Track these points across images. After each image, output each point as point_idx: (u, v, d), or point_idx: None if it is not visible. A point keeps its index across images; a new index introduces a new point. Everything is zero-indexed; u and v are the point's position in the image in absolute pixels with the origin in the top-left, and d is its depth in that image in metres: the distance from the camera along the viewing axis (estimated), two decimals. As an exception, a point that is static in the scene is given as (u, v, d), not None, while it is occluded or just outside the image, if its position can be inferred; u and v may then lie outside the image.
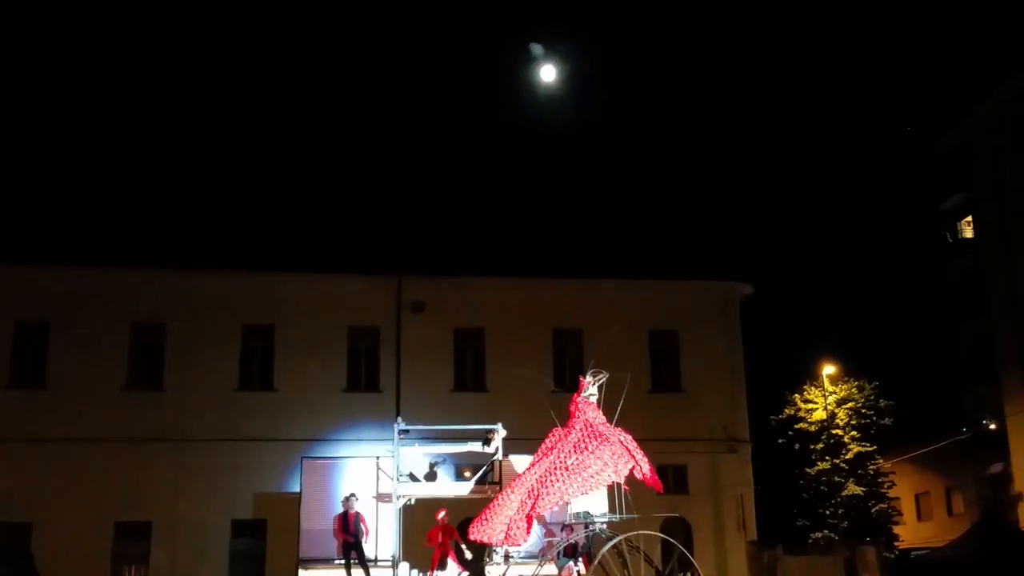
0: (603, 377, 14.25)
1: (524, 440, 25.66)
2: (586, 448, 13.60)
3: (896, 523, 38.01)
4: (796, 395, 37.60)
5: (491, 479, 22.11)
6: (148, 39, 54.57)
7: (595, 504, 14.24)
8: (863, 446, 36.03)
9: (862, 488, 35.59)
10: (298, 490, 21.23)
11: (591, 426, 13.86)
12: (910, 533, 41.29)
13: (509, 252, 30.86)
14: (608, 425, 14.08)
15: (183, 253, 28.20)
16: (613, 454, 13.57)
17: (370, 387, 27.15)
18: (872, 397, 36.87)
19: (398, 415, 24.96)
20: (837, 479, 35.73)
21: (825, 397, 36.82)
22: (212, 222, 34.61)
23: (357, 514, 19.68)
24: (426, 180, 51.35)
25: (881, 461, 37.01)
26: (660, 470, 27.30)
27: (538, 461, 14.06)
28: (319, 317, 27.17)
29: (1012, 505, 38.58)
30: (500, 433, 22.73)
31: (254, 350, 27.18)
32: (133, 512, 24.99)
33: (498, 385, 27.19)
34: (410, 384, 26.95)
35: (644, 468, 13.68)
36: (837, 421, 36.33)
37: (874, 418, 36.53)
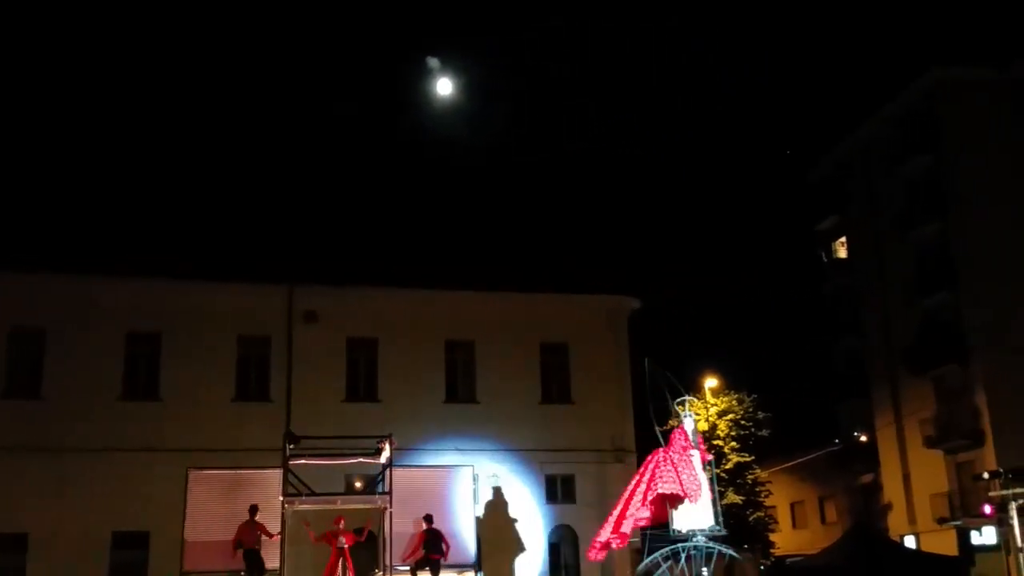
0: (690, 403, 15.39)
1: (415, 450, 25.98)
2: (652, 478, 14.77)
3: (772, 531, 39.42)
4: (679, 407, 38.63)
5: (382, 489, 22.18)
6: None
7: (699, 518, 14.82)
8: (742, 456, 37.25)
9: (741, 497, 36.78)
10: (183, 501, 20.86)
11: (656, 454, 14.79)
12: (786, 541, 42.90)
13: (402, 263, 30.96)
14: (677, 448, 14.81)
15: (64, 257, 27.38)
16: (656, 476, 14.51)
17: (260, 397, 26.82)
18: (751, 409, 38.16)
19: (288, 425, 24.81)
20: (717, 488, 36.83)
21: (707, 409, 37.97)
22: (96, 225, 33.72)
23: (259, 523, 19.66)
24: (319, 189, 50.99)
25: (759, 471, 38.32)
26: (549, 480, 28.12)
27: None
28: (208, 325, 26.69)
29: (882, 514, 40.53)
30: (391, 443, 22.82)
31: (139, 358, 26.55)
32: (8, 524, 24.06)
33: (390, 396, 27.24)
34: (301, 394, 26.74)
35: (689, 486, 14.48)
36: (718, 432, 37.49)
37: (752, 429, 37.82)
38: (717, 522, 15.79)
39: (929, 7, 56.72)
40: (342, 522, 19.61)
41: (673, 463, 14.80)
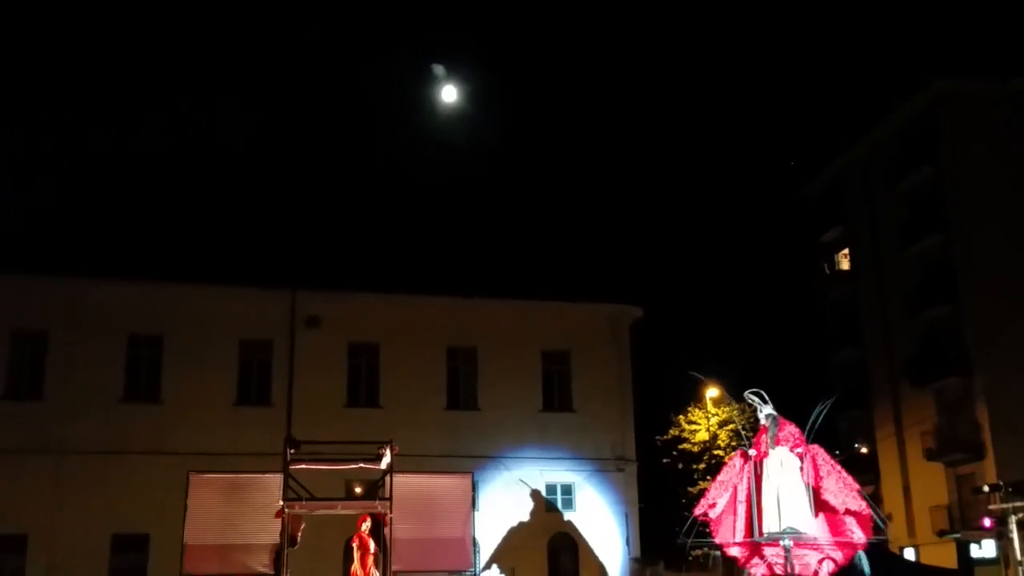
0: (758, 397, 13.97)
1: (416, 456, 25.94)
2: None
3: (773, 542, 39.26)
4: (680, 416, 38.60)
5: (382, 495, 22.16)
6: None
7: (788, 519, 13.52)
8: (743, 467, 37.13)
9: (741, 507, 36.64)
10: (183, 505, 20.88)
11: (732, 459, 14.38)
12: (785, 551, 42.73)
13: (405, 269, 31.02)
14: (750, 450, 14.20)
15: (66, 259, 27.44)
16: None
17: (261, 401, 26.84)
18: (752, 419, 38.04)
19: (289, 430, 24.82)
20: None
21: (708, 419, 37.90)
22: (99, 228, 33.77)
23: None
24: (322, 194, 51.07)
25: (760, 481, 38.17)
26: (549, 488, 28.12)
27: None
28: (210, 329, 26.73)
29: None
30: (392, 449, 22.78)
31: (140, 361, 26.58)
32: (8, 525, 24.10)
33: (392, 401, 27.24)
34: (302, 399, 26.75)
35: (740, 495, 13.93)
36: (719, 442, 37.43)
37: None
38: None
39: (930, 20, 56.87)
40: (367, 522, 19.33)
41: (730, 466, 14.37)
